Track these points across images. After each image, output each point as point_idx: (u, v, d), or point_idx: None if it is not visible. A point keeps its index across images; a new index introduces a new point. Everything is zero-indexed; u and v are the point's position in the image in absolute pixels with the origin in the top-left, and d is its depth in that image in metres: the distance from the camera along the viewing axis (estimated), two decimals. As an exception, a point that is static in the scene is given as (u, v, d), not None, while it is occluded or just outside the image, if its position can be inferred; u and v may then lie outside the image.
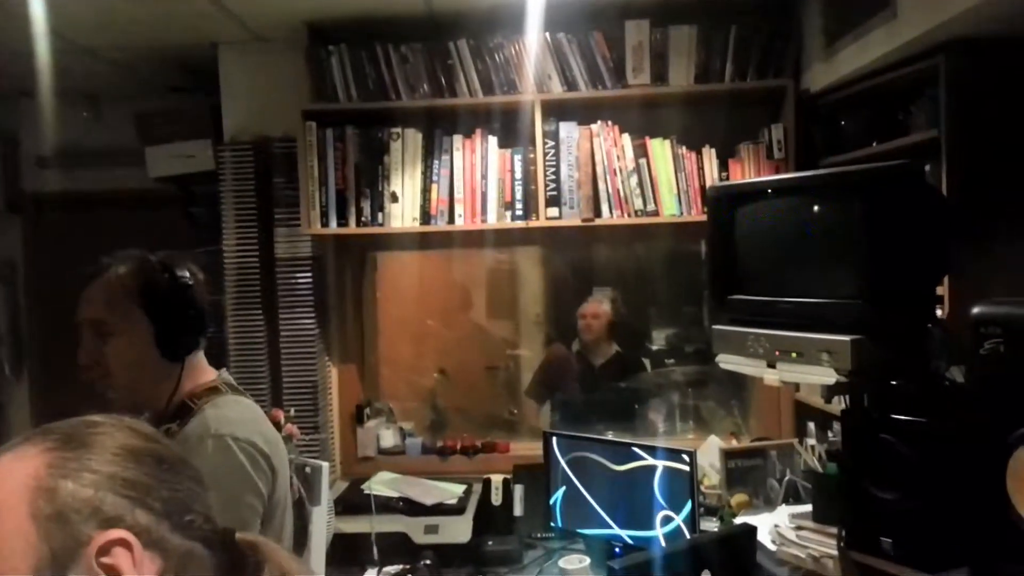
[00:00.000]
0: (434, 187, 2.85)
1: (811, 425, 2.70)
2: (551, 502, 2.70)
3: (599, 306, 3.48)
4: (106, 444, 0.78)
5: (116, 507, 0.74)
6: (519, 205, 2.83)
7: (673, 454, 2.43)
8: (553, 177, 2.81)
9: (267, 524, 1.45)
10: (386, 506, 2.77)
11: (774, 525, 2.21)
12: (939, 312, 1.95)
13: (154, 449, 0.81)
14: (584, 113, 2.85)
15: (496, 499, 2.86)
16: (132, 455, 0.78)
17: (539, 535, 2.77)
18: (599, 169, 2.80)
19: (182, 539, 0.78)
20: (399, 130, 2.86)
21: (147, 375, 1.47)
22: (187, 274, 1.49)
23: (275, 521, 1.48)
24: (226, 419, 1.43)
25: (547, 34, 2.77)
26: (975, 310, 1.44)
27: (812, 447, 2.55)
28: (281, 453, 1.51)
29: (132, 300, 1.44)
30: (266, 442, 1.46)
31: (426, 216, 2.85)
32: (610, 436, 2.73)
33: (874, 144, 2.38)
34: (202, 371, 1.55)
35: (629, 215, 2.80)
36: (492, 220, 2.84)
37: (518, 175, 2.83)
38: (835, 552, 1.85)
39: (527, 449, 3.10)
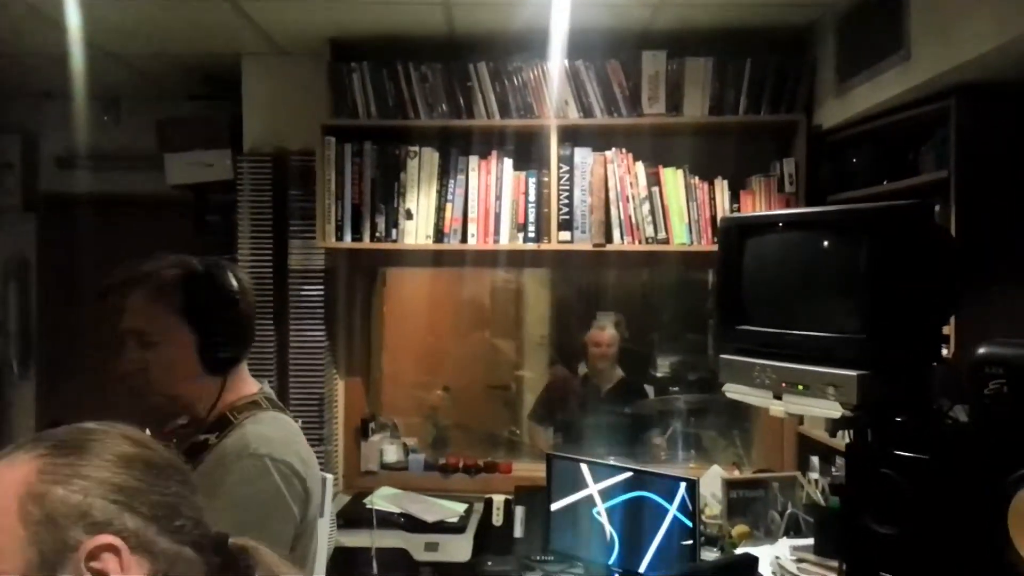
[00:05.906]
0: (448, 206, 2.88)
1: (814, 459, 2.70)
2: (551, 525, 2.70)
3: (612, 334, 3.50)
4: (97, 450, 0.80)
5: (105, 512, 0.76)
6: (531, 227, 2.86)
7: (675, 482, 2.44)
8: (566, 201, 2.84)
9: (295, 546, 1.41)
10: (387, 521, 2.78)
11: (775, 557, 2.22)
12: (945, 351, 1.97)
13: (145, 455, 0.83)
14: (599, 139, 2.89)
15: (497, 519, 2.87)
16: (123, 460, 0.80)
17: (538, 557, 2.77)
18: (612, 195, 2.83)
19: (171, 542, 0.79)
20: (416, 148, 2.90)
21: (188, 386, 1.42)
22: (234, 284, 1.43)
23: (303, 542, 1.44)
24: (265, 438, 1.38)
25: (565, 61, 2.81)
26: (980, 350, 1.45)
27: (815, 481, 2.55)
28: (315, 474, 1.48)
29: (175, 311, 1.39)
30: (302, 463, 1.41)
31: (439, 234, 2.89)
32: (612, 461, 2.73)
33: (884, 182, 2.41)
34: (244, 383, 1.49)
35: (640, 242, 2.83)
36: (504, 241, 2.87)
37: (532, 198, 2.87)
38: (834, 585, 1.86)
39: (529, 470, 3.11)
